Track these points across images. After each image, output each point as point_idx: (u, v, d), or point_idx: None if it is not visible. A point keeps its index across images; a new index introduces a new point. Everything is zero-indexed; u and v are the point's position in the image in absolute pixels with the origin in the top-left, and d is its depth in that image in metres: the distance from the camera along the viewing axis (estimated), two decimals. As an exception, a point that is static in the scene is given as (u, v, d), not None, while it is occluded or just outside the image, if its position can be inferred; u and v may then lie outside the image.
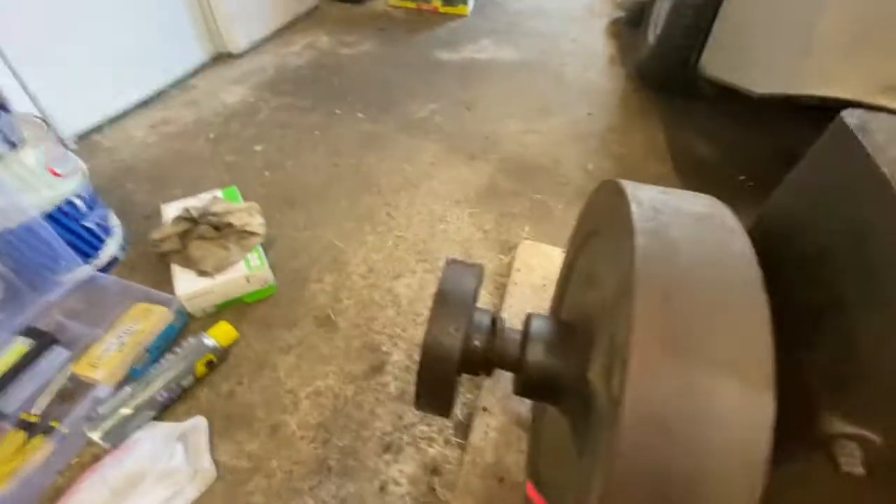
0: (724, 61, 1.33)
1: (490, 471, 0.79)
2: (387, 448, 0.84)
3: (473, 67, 1.99)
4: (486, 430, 0.84)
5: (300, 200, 1.30)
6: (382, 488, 0.79)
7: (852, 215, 0.31)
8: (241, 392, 0.90)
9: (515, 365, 0.57)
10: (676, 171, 1.49)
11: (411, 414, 0.88)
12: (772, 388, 0.31)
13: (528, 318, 0.59)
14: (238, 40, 1.96)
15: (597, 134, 1.64)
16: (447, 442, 0.85)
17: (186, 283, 0.97)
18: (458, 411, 0.89)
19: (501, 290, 1.10)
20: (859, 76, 0.86)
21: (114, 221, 1.14)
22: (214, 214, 1.05)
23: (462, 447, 0.84)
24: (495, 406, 0.86)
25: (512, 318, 1.03)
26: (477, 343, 0.56)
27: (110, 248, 1.09)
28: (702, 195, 0.47)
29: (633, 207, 0.41)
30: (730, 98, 1.33)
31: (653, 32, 1.77)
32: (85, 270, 1.00)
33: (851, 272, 0.32)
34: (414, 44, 2.16)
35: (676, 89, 1.78)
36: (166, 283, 1.00)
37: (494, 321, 0.59)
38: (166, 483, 0.76)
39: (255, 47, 2.07)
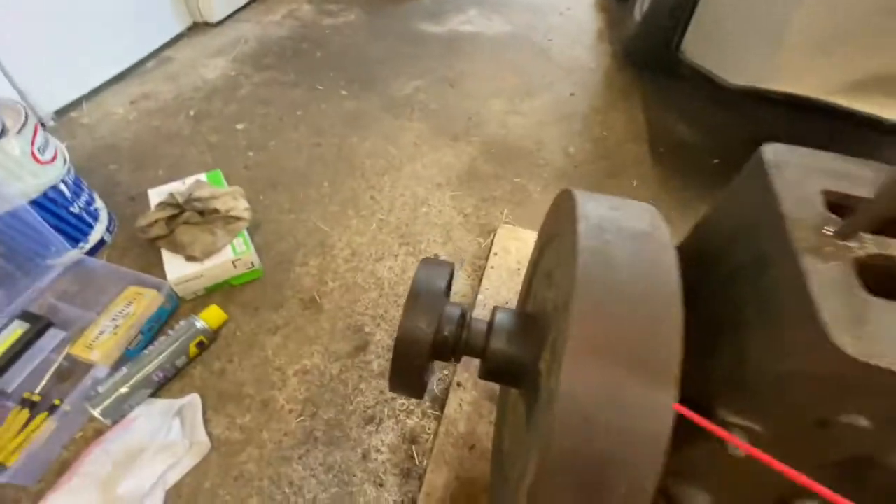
0: (702, 47, 1.35)
1: (462, 440, 0.87)
2: (369, 420, 0.91)
3: (459, 41, 1.96)
4: (459, 403, 0.92)
5: (284, 183, 1.33)
6: (365, 456, 0.87)
7: (758, 246, 0.36)
8: (231, 370, 0.96)
9: (480, 352, 0.63)
10: (653, 153, 1.53)
11: (392, 390, 0.95)
12: (675, 386, 0.37)
13: (494, 311, 0.65)
14: (215, 8, 1.90)
15: (579, 115, 1.66)
16: (424, 414, 0.93)
17: (176, 268, 1.01)
18: (435, 386, 0.97)
19: (480, 273, 1.16)
20: (822, 75, 0.90)
21: (99, 204, 1.16)
22: (199, 199, 1.08)
23: (438, 419, 0.91)
24: (468, 381, 0.94)
25: (488, 301, 1.09)
26: (446, 334, 0.62)
27: (97, 231, 1.11)
28: (646, 209, 0.52)
29: (581, 226, 0.46)
30: (712, 81, 1.36)
31: (639, 10, 1.76)
32: (74, 255, 1.03)
33: (751, 296, 0.37)
34: (399, 14, 2.12)
35: (660, 69, 1.80)
36: (155, 267, 1.04)
37: (463, 314, 0.65)
38: (165, 455, 0.82)
39: (234, 15, 2.01)
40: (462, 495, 0.81)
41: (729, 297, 0.41)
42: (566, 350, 0.40)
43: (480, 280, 1.13)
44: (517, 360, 0.59)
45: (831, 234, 0.34)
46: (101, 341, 0.92)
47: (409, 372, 0.58)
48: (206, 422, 0.89)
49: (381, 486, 0.84)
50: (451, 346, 0.63)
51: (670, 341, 0.39)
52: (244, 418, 0.90)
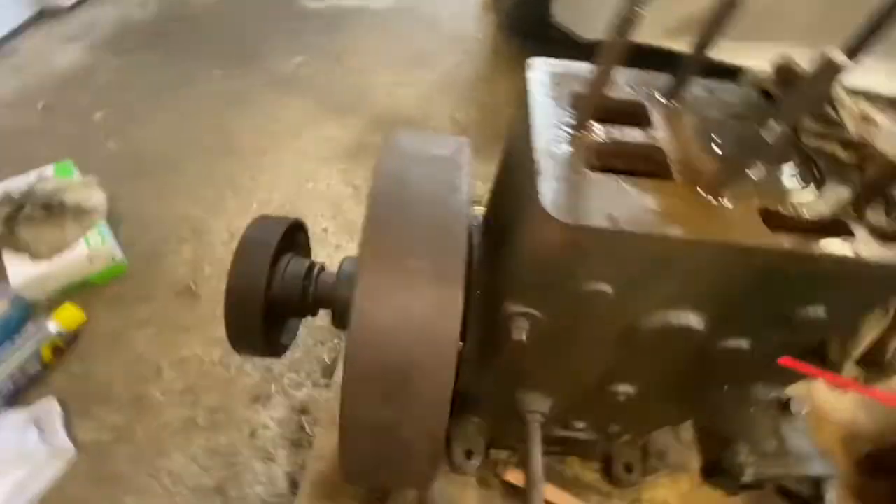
0: (565, 9, 1.42)
1: (353, 403, 0.87)
2: (255, 399, 0.89)
3: (343, 16, 1.91)
4: (350, 370, 0.91)
5: (150, 171, 1.23)
6: (252, 434, 0.85)
7: (521, 152, 0.39)
8: (96, 371, 0.89)
9: (329, 302, 0.63)
10: (536, 114, 1.60)
11: (280, 365, 0.93)
12: (460, 287, 0.39)
13: (342, 261, 0.65)
14: (64, -11, 1.71)
15: (466, 83, 1.69)
16: (315, 384, 0.92)
17: (19, 270, 0.91)
18: (326, 356, 0.96)
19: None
20: (652, 21, 0.97)
21: (-80, 211, 1.01)
22: (42, 193, 0.97)
23: (328, 387, 0.91)
24: (357, 347, 0.94)
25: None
26: (285, 288, 0.60)
27: (-81, 240, 0.97)
28: (457, 141, 0.54)
29: (383, 153, 0.47)
30: (578, 43, 1.43)
31: (516, -23, 1.81)
32: None
33: (515, 196, 0.41)
34: (277, -10, 2.02)
35: (538, 36, 1.86)
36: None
37: (311, 267, 0.64)
38: (22, 465, 0.75)
39: (88, -2, 1.81)
40: (351, 454, 0.81)
41: (510, 200, 0.43)
42: (358, 269, 0.41)
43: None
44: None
45: (568, 128, 0.38)
46: (-69, 360, 0.82)
47: (245, 330, 0.57)
48: (70, 427, 0.82)
49: (271, 460, 0.83)
50: (299, 302, 0.62)
51: (455, 248, 0.41)
52: (114, 417, 0.84)
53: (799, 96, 0.30)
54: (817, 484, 0.55)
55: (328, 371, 0.93)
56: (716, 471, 0.61)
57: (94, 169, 1.20)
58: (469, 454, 0.70)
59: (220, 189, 1.21)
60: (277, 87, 1.54)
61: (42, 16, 1.70)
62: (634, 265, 0.34)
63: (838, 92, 0.42)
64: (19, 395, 0.83)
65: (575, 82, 0.42)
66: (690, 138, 0.39)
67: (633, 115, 0.41)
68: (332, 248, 1.14)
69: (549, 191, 0.32)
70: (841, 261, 0.33)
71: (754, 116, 0.43)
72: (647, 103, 0.42)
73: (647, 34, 1.01)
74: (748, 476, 0.57)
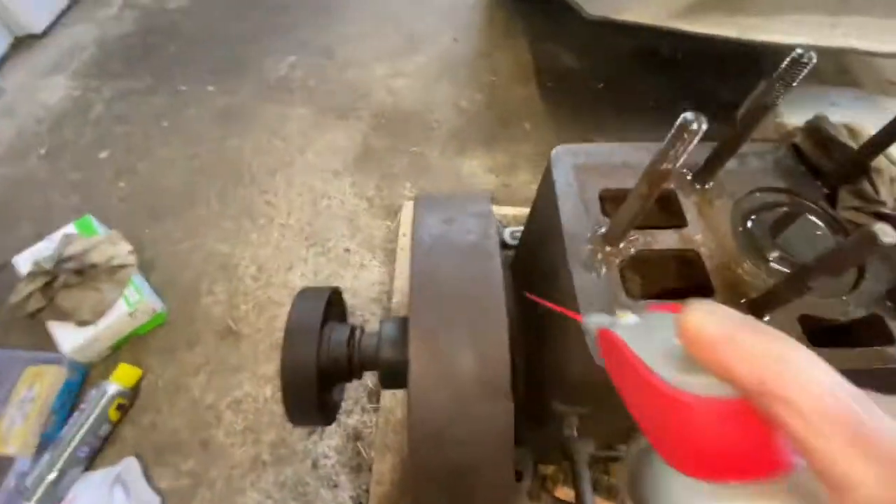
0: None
1: (401, 425, 0.93)
2: (311, 431, 0.95)
3: (328, 1, 1.80)
4: (393, 392, 0.97)
5: (167, 208, 1.24)
6: (314, 465, 0.92)
7: (551, 254, 0.39)
8: (162, 421, 0.96)
9: (374, 365, 0.66)
10: (541, 89, 1.53)
11: (327, 395, 0.99)
12: (508, 397, 0.42)
13: (381, 323, 0.67)
14: (34, 13, 1.63)
15: (465, 62, 1.61)
16: (364, 410, 0.98)
17: (69, 337, 0.96)
18: (370, 381, 1.01)
19: (392, 258, 1.17)
20: (657, 3, 0.91)
21: (-38, 285, 1.05)
22: (72, 258, 1.00)
23: (376, 410, 0.97)
24: (397, 371, 0.99)
25: (405, 286, 1.12)
26: (335, 357, 0.64)
27: (-30, 316, 1.02)
28: (479, 215, 0.53)
29: (415, 253, 0.48)
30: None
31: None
32: (-50, 351, 0.95)
33: (555, 296, 0.41)
34: (253, -21, 1.89)
35: (536, -2, 1.74)
36: (47, 340, 0.98)
37: (353, 332, 0.67)
38: (116, 522, 0.84)
39: (61, 19, 1.74)
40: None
41: (546, 291, 0.44)
42: (408, 385, 0.43)
43: (393, 264, 1.14)
44: (404, 366, 0.63)
45: (601, 240, 0.38)
46: (13, 433, 0.89)
47: (303, 405, 0.61)
48: (150, 478, 0.89)
49: (335, 486, 0.90)
50: (346, 367, 0.66)
51: (499, 356, 0.43)
52: (188, 464, 0.91)
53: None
54: None
55: (374, 395, 0.99)
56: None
57: (111, 215, 1.22)
58: (519, 476, 0.75)
59: (238, 219, 1.22)
60: (273, 95, 1.50)
61: (18, 47, 1.65)
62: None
63: (878, 161, 0.40)
64: (96, 456, 0.90)
65: (602, 176, 0.42)
66: (727, 234, 0.39)
67: (666, 205, 0.40)
68: (356, 269, 1.16)
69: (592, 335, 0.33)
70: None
71: (791, 198, 0.42)
72: (677, 190, 0.41)
73: (653, 16, 0.95)
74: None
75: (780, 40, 0.96)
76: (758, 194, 0.41)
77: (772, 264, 0.36)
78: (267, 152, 1.36)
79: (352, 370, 0.67)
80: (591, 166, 0.43)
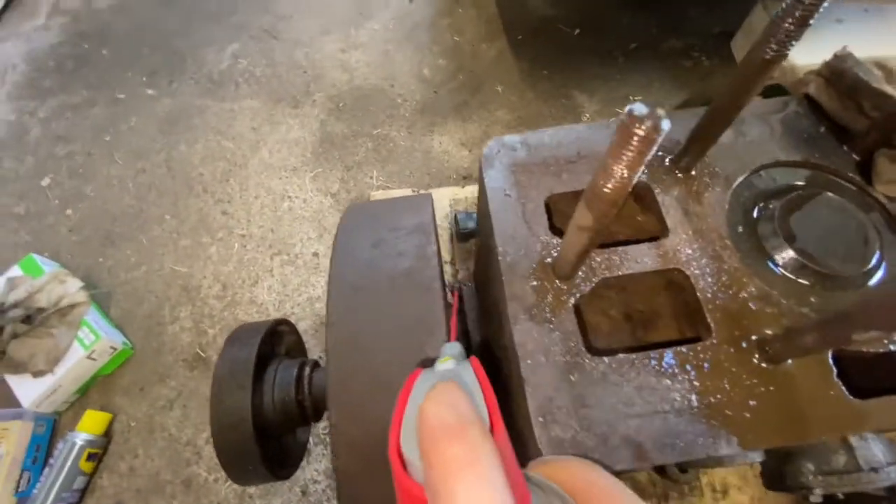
0: None
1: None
2: (297, 457, 0.89)
3: (265, -26, 1.62)
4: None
5: (120, 233, 1.15)
6: (304, 492, 0.86)
7: (492, 290, 0.29)
8: (140, 465, 0.90)
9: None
10: (511, 45, 1.38)
11: (310, 416, 0.92)
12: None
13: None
14: (-48, 34, 1.49)
15: (425, 24, 1.45)
16: (350, 428, 0.91)
17: (28, 390, 0.89)
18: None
19: (364, 256, 1.07)
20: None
21: (-88, 345, 0.98)
22: (18, 304, 0.92)
23: (364, 428, 0.90)
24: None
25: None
26: (284, 401, 0.55)
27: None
28: (418, 231, 0.43)
29: (332, 293, 0.38)
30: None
31: None
32: None
33: (502, 350, 0.32)
34: (184, -40, 1.71)
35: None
36: (7, 395, 0.92)
37: (301, 371, 0.58)
38: (105, 574, 0.79)
39: (-16, 33, 1.59)
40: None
41: (498, 341, 0.35)
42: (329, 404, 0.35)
43: (366, 265, 1.05)
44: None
45: (550, 270, 0.27)
46: (-17, 496, 0.84)
47: (244, 464, 0.53)
48: (134, 526, 0.85)
49: (327, 512, 0.85)
50: (297, 411, 0.57)
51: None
52: (172, 506, 0.86)
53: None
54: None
55: (359, 411, 0.92)
56: (778, 484, 0.57)
57: (62, 247, 1.13)
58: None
59: (195, 235, 1.13)
60: (218, 92, 1.36)
61: (-54, 69, 1.51)
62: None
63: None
64: (77, 508, 0.86)
65: (551, 175, 0.31)
66: (724, 239, 0.28)
67: (640, 202, 0.30)
68: (327, 276, 1.07)
69: (539, 411, 0.24)
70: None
71: (812, 173, 0.30)
72: (652, 183, 0.30)
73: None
74: (816, 497, 0.53)
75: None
76: (763, 174, 0.30)
77: (787, 275, 0.26)
78: (217, 156, 1.24)
79: (305, 413, 0.59)
80: (535, 163, 0.33)
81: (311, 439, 0.91)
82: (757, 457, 0.29)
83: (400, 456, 0.16)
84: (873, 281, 0.26)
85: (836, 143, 0.30)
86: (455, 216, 0.90)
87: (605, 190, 0.19)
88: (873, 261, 0.26)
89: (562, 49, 1.36)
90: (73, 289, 0.97)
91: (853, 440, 0.53)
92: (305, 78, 1.37)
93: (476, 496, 0.13)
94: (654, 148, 0.17)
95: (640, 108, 0.16)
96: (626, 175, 0.18)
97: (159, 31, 1.52)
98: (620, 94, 1.29)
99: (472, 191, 1.04)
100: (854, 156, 0.30)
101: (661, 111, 0.16)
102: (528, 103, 1.28)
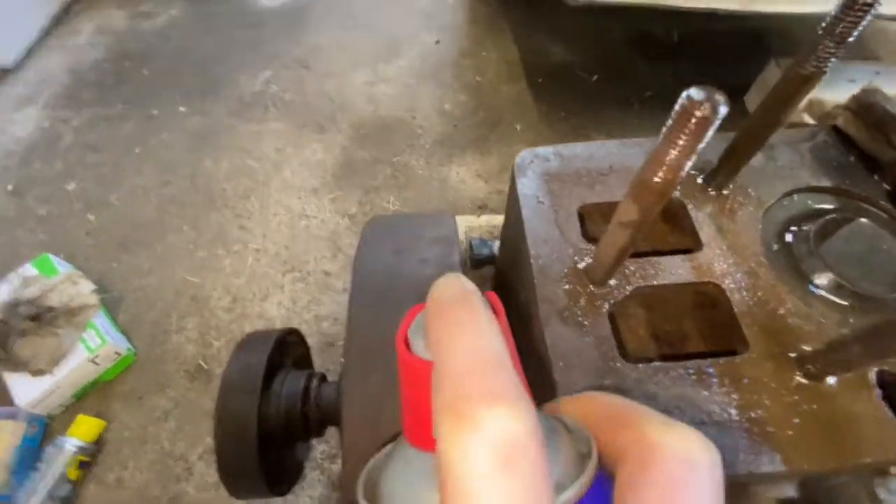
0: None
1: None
2: (291, 481, 0.85)
3: (301, 9, 1.73)
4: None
5: (137, 240, 1.16)
6: (296, 519, 0.82)
7: (521, 288, 0.29)
8: (129, 477, 0.87)
9: (334, 420, 0.56)
10: (531, 87, 1.43)
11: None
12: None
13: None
14: (6, 48, 1.58)
15: (449, 64, 1.52)
16: (348, 454, 0.87)
17: (25, 389, 0.87)
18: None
19: (375, 279, 1.07)
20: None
21: (-83, 337, 0.98)
22: (28, 302, 0.92)
23: (362, 455, 0.86)
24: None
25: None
26: (289, 413, 0.54)
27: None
28: (437, 242, 0.43)
29: (354, 294, 0.38)
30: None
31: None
32: None
33: (530, 343, 0.31)
34: (227, -6, 1.83)
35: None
36: (3, 393, 0.90)
37: (308, 383, 0.57)
38: None
39: (34, 50, 1.69)
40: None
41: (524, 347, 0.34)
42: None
43: (377, 287, 1.04)
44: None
45: (583, 275, 0.27)
46: (-37, 499, 0.81)
47: (244, 475, 0.51)
48: (114, 543, 0.81)
49: (318, 544, 0.80)
50: (301, 425, 0.56)
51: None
52: (155, 525, 0.82)
53: None
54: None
55: (358, 436, 0.89)
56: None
57: (78, 250, 1.14)
58: None
59: (211, 247, 1.14)
60: (247, 113, 1.42)
61: (-9, 80, 1.59)
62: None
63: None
64: (58, 519, 0.82)
65: (583, 186, 0.31)
66: (759, 256, 0.28)
67: (672, 219, 0.30)
68: (337, 293, 1.06)
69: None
70: None
71: (842, 199, 0.31)
72: (685, 199, 0.31)
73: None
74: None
75: (788, 10, 0.85)
76: (795, 197, 0.30)
77: (824, 294, 0.26)
78: (241, 174, 1.27)
79: (309, 427, 0.57)
80: (568, 174, 0.33)
81: (306, 465, 0.87)
82: (791, 490, 0.28)
83: (406, 343, 0.17)
84: (910, 309, 0.26)
85: (867, 172, 0.31)
86: (470, 242, 0.90)
87: (656, 179, 0.19)
88: (909, 288, 0.26)
89: (580, 93, 1.41)
90: (85, 290, 0.97)
91: (880, 492, 0.51)
92: (332, 106, 1.43)
93: (471, 345, 0.13)
94: (711, 132, 0.17)
95: (697, 92, 0.17)
96: (679, 162, 0.18)
97: (198, 56, 1.60)
98: (635, 138, 1.33)
99: (487, 220, 1.05)
100: (885, 185, 0.30)
101: (719, 94, 0.16)
102: (544, 142, 1.31)
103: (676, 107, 0.17)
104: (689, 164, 0.19)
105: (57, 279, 0.97)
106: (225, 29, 1.68)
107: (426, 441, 0.16)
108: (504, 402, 0.12)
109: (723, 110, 0.16)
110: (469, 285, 0.16)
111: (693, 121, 0.17)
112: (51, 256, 1.03)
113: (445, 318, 0.14)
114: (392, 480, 0.17)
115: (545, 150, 0.34)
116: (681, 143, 0.18)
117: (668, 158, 0.18)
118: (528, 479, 0.11)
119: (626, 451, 0.14)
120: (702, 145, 0.18)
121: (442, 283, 0.16)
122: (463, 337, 0.14)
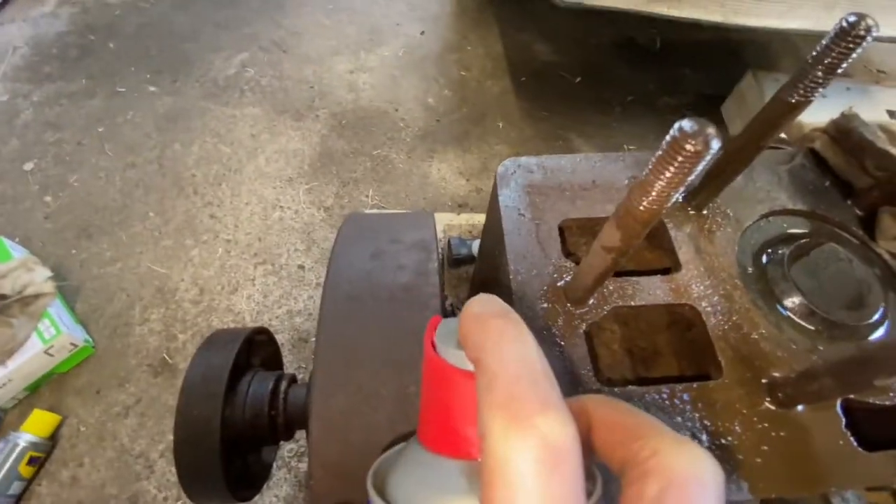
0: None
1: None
2: (257, 480, 0.83)
3: (283, -8, 1.66)
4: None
5: (99, 226, 1.10)
6: (261, 519, 0.80)
7: (499, 292, 0.29)
8: (84, 475, 0.83)
9: (303, 423, 0.54)
10: (515, 84, 1.43)
11: (277, 436, 0.87)
12: None
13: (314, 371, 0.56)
14: (-45, 10, 1.47)
15: (433, 57, 1.49)
16: (318, 452, 0.86)
17: (-29, 381, 0.82)
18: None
19: (351, 274, 1.05)
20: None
21: None
22: (-25, 288, 0.86)
23: (332, 453, 0.85)
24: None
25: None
26: (256, 415, 0.52)
27: None
28: (415, 246, 0.42)
29: (326, 299, 0.37)
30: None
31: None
32: None
33: None
34: (204, -31, 1.75)
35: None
36: (-53, 385, 0.85)
37: (277, 385, 0.55)
38: None
39: (-12, 14, 1.57)
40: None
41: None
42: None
43: (352, 283, 1.03)
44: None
45: (562, 294, 0.27)
46: None
47: (205, 481, 0.49)
48: (67, 543, 0.77)
49: (284, 544, 0.79)
50: (268, 428, 0.54)
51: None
52: (112, 525, 0.79)
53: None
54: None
55: (329, 434, 0.87)
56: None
57: (35, 234, 1.08)
58: None
59: (179, 236, 1.09)
60: (221, 96, 1.36)
61: (-58, 45, 1.48)
62: None
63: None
64: (7, 518, 0.78)
65: (566, 201, 0.31)
66: (735, 279, 0.28)
67: (651, 236, 0.30)
68: (311, 288, 1.04)
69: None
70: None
71: (817, 224, 0.31)
72: (666, 219, 0.31)
73: (629, 0, 0.84)
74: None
75: (770, 25, 0.87)
76: (772, 220, 0.31)
77: (794, 319, 0.26)
78: (212, 159, 1.22)
79: (276, 430, 0.55)
80: (550, 186, 0.33)
81: (273, 463, 0.85)
82: (754, 507, 0.29)
83: (433, 345, 0.17)
84: (876, 335, 0.27)
85: (840, 197, 0.31)
86: (449, 241, 0.89)
87: (641, 208, 0.19)
88: (876, 315, 0.26)
89: (562, 94, 1.41)
90: (40, 278, 0.92)
91: (836, 502, 0.53)
92: (311, 93, 1.38)
93: (521, 354, 0.14)
94: (701, 166, 0.17)
95: (689, 125, 0.16)
96: (666, 193, 0.18)
97: (169, 33, 1.52)
98: (615, 141, 1.34)
99: (467, 219, 1.04)
100: (857, 210, 0.31)
101: (711, 129, 0.16)
102: (526, 140, 1.32)
103: (668, 137, 0.17)
104: (677, 194, 0.18)
105: (11, 265, 0.91)
106: (200, 5, 1.60)
107: (445, 446, 0.16)
108: (554, 409, 0.13)
109: (715, 145, 0.16)
110: (506, 305, 0.16)
111: (683, 154, 0.16)
112: (4, 240, 0.97)
113: (489, 327, 0.15)
114: (403, 478, 0.18)
115: (528, 161, 0.33)
116: (668, 174, 0.17)
117: (654, 188, 0.18)
118: (570, 483, 0.12)
119: (636, 466, 0.14)
120: (691, 178, 0.17)
121: (479, 299, 0.17)
122: (511, 346, 0.14)
